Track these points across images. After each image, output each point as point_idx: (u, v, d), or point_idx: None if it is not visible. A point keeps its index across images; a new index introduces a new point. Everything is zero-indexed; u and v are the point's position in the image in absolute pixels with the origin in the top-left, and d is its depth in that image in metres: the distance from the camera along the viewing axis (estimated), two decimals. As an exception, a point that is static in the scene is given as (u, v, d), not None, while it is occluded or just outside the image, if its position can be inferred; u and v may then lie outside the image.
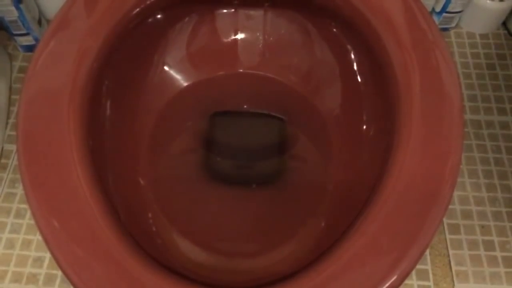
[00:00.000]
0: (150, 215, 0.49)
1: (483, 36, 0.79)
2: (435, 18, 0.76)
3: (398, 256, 0.35)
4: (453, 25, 0.78)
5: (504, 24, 0.80)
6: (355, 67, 0.53)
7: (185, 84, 0.57)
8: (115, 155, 0.48)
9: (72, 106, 0.40)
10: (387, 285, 0.34)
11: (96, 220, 0.36)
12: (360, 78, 0.53)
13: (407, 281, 0.57)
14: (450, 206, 0.61)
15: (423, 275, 0.59)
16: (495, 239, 0.62)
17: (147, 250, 0.37)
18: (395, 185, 0.37)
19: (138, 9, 0.46)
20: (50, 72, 0.42)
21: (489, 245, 0.61)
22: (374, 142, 0.49)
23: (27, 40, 0.73)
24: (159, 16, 0.53)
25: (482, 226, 0.62)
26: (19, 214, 0.63)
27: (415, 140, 0.39)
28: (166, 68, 0.56)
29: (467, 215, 0.63)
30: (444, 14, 0.75)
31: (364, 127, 0.52)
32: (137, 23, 0.48)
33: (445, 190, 0.37)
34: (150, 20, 0.52)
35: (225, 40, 0.58)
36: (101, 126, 0.48)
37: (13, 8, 0.67)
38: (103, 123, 0.48)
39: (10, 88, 0.72)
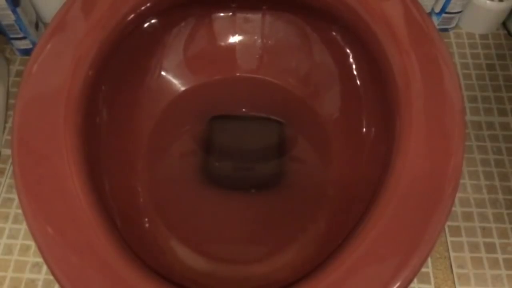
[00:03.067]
0: (147, 221, 0.49)
1: (483, 36, 0.78)
2: (435, 18, 0.76)
3: (400, 263, 0.34)
4: (452, 25, 0.78)
5: (504, 24, 0.79)
6: (354, 71, 0.53)
7: (183, 88, 0.57)
8: (112, 161, 0.48)
9: (68, 112, 0.40)
10: None
11: (91, 228, 0.36)
12: (359, 81, 0.52)
13: (408, 285, 0.56)
14: (451, 209, 0.60)
15: (424, 278, 0.59)
16: (496, 241, 0.61)
17: (144, 257, 0.37)
18: (395, 190, 0.37)
19: (133, 15, 0.45)
20: (46, 78, 0.41)
21: (490, 247, 0.61)
22: (374, 146, 0.49)
23: (24, 44, 0.73)
24: (155, 21, 0.52)
25: (483, 228, 0.62)
26: (17, 220, 0.62)
27: (416, 143, 0.39)
28: (163, 73, 0.56)
29: (468, 217, 0.63)
30: (444, 15, 0.75)
31: (364, 130, 0.51)
32: (133, 29, 0.47)
33: (447, 193, 0.37)
34: (146, 25, 0.52)
35: (223, 44, 0.57)
36: (98, 132, 0.47)
37: (9, 12, 0.67)
38: (100, 129, 0.48)
39: (8, 92, 0.72)
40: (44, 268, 0.59)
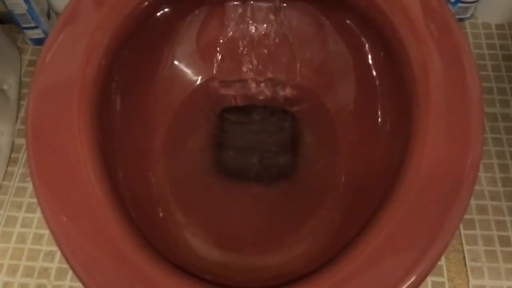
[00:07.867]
0: (161, 211, 0.49)
1: (499, 26, 0.77)
2: (450, 8, 0.75)
3: (417, 256, 0.34)
4: (468, 15, 0.76)
5: (521, 14, 0.78)
6: (369, 61, 0.52)
7: (195, 79, 0.57)
8: (126, 151, 0.48)
9: (81, 101, 0.40)
10: (405, 286, 0.33)
11: (106, 217, 0.36)
12: (375, 71, 0.52)
13: (421, 278, 0.56)
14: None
15: (437, 271, 0.58)
16: (511, 234, 0.60)
17: (157, 247, 0.37)
18: (412, 182, 0.36)
19: (146, 3, 0.45)
20: (59, 67, 0.41)
21: (504, 241, 0.60)
22: (390, 137, 0.48)
23: (36, 34, 0.73)
24: (168, 9, 0.52)
25: (498, 221, 0.61)
26: (30, 209, 0.63)
27: (434, 135, 0.38)
28: (176, 62, 0.56)
29: (482, 210, 0.62)
30: (459, 4, 0.74)
31: (379, 121, 0.51)
32: (145, 17, 0.47)
33: (465, 186, 0.36)
34: (159, 14, 0.51)
35: (236, 33, 0.57)
36: (111, 121, 0.47)
37: (21, 1, 0.67)
38: (113, 118, 0.48)
39: (20, 82, 0.72)
40: (57, 256, 0.59)
